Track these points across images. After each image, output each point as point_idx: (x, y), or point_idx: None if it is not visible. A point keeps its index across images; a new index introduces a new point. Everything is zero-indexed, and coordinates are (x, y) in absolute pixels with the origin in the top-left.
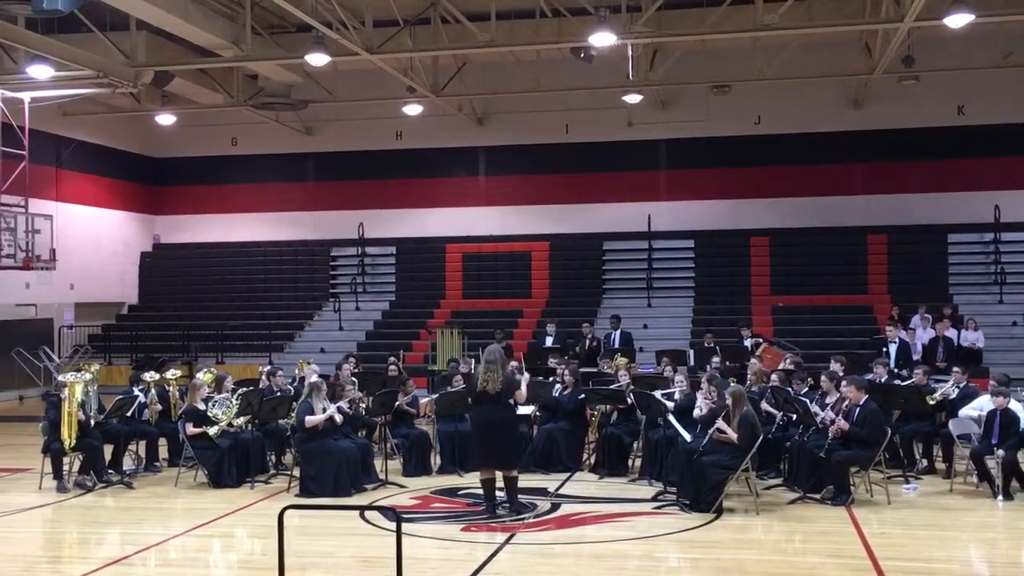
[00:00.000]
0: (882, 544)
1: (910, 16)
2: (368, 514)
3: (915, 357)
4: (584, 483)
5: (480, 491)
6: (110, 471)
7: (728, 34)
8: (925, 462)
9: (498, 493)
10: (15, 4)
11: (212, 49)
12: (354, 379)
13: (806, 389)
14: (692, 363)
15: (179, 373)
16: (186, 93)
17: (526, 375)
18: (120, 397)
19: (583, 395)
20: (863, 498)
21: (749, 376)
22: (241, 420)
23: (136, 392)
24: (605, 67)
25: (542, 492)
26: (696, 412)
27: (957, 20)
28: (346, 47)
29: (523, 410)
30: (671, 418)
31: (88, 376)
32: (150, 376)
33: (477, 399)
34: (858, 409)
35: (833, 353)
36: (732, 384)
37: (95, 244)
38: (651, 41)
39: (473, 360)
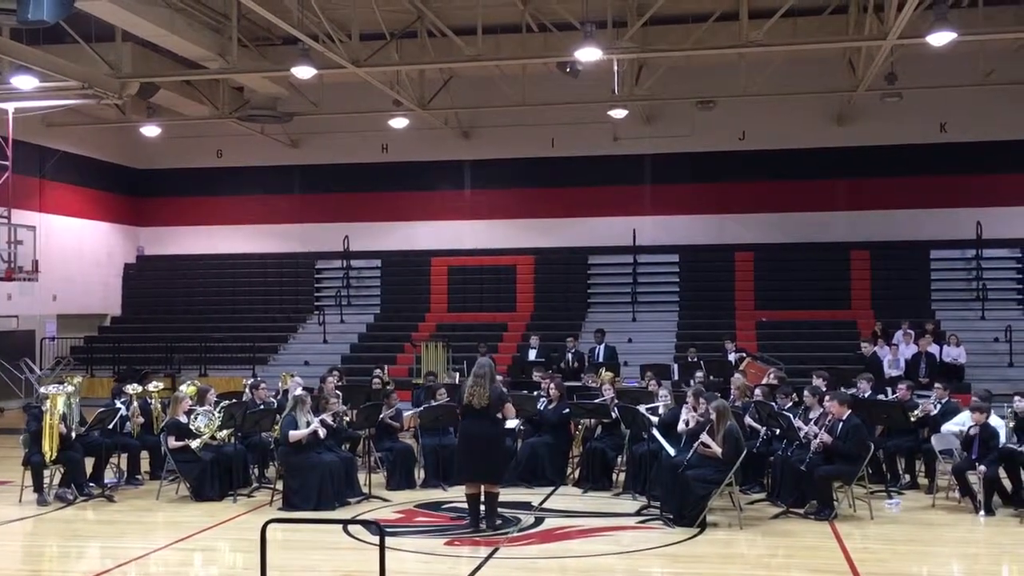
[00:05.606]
0: (865, 559)
1: (893, 34)
2: (351, 528)
3: (897, 373)
4: (568, 497)
5: (464, 505)
6: (91, 484)
7: (713, 50)
8: (908, 477)
9: (482, 507)
10: (0, 15)
11: (198, 61)
12: (338, 392)
13: (790, 404)
14: (676, 377)
15: (161, 385)
16: (171, 105)
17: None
18: (102, 409)
19: (567, 409)
20: (846, 513)
21: (733, 391)
22: (224, 433)
23: (118, 404)
24: (591, 82)
25: (526, 506)
26: (681, 426)
27: (940, 38)
28: (332, 60)
29: (509, 424)
30: (655, 432)
31: (70, 388)
32: (132, 388)
33: (464, 413)
34: (841, 424)
35: (816, 368)
36: (716, 398)
37: (78, 255)
38: (637, 56)
39: (458, 374)
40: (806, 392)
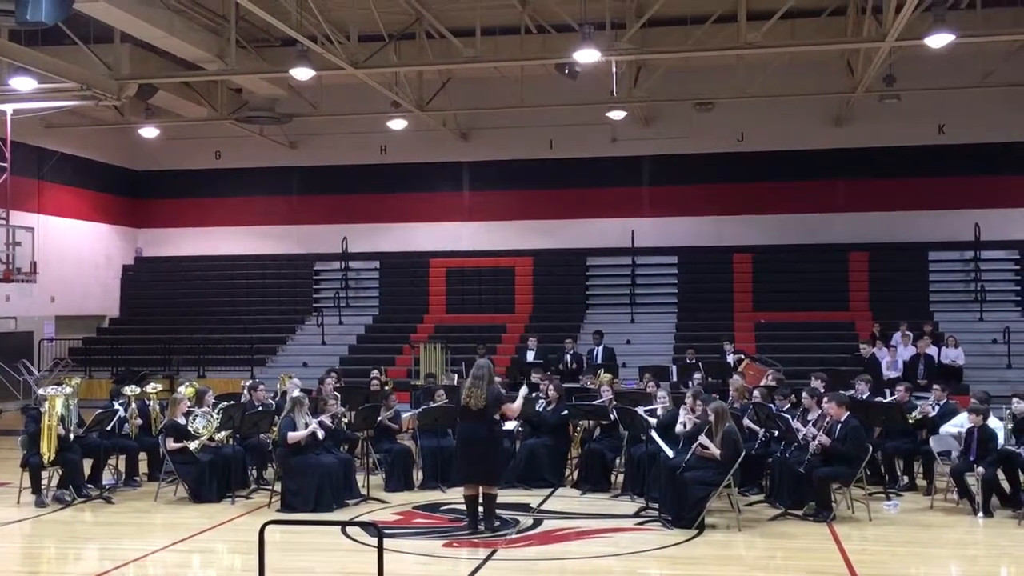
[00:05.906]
0: (863, 561)
1: (891, 36)
2: (350, 530)
3: (896, 374)
4: (567, 499)
5: (463, 506)
6: (89, 485)
7: (712, 52)
8: (906, 479)
9: (480, 509)
10: None
11: (196, 62)
12: (337, 394)
13: (788, 405)
14: (674, 379)
15: (160, 387)
16: (170, 106)
17: (524, 389)
18: (100, 411)
19: (566, 411)
20: (844, 514)
21: (731, 392)
22: (222, 434)
23: (116, 406)
24: (589, 83)
25: (524, 508)
26: (679, 428)
27: (938, 40)
28: (331, 61)
29: (507, 425)
30: (653, 434)
31: (68, 390)
32: (131, 390)
33: (461, 414)
34: (839, 425)
35: (815, 369)
36: (714, 400)
37: (77, 257)
38: (635, 58)
39: (457, 375)
40: (804, 393)
